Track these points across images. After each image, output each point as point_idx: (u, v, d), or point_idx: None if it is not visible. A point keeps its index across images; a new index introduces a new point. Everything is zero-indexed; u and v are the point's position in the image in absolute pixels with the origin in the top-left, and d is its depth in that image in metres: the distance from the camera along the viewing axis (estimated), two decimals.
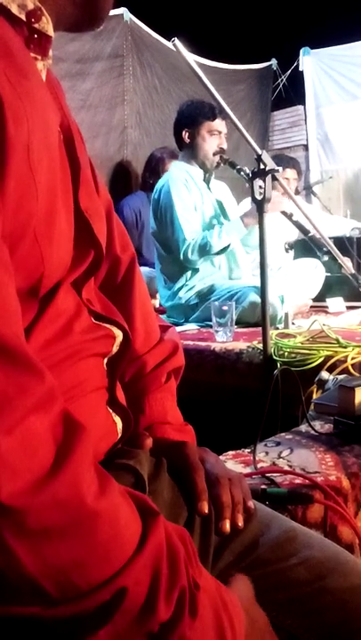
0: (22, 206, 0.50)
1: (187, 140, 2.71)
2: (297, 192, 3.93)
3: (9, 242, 0.49)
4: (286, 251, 3.19)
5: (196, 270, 2.64)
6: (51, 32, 0.60)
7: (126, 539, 0.46)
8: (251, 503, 0.73)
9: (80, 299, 0.65)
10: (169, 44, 1.61)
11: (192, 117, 2.67)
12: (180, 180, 2.62)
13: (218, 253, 2.56)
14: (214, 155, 2.66)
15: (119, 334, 0.69)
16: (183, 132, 2.71)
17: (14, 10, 0.56)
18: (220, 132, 2.67)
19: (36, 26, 0.58)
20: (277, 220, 3.12)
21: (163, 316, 2.67)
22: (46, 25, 0.59)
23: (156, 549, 0.47)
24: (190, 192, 2.63)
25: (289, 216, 2.48)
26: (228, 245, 2.53)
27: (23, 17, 0.57)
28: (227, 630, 0.51)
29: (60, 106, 0.66)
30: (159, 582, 0.46)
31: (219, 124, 2.65)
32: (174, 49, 1.51)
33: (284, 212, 2.52)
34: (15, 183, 0.49)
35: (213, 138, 2.66)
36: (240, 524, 0.70)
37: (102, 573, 0.44)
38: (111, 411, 0.67)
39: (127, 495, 0.49)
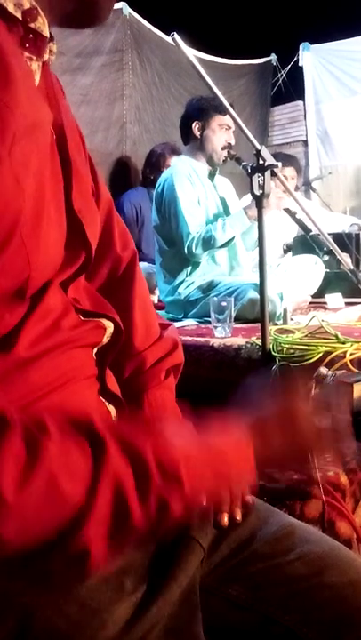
0: (7, 209, 0.50)
1: (196, 133, 2.68)
2: (296, 188, 3.92)
3: None
4: (284, 252, 3.19)
5: (196, 266, 2.63)
6: (46, 32, 0.60)
7: (73, 496, 0.46)
8: (249, 498, 0.73)
9: (67, 298, 0.65)
10: (168, 39, 1.60)
11: (204, 110, 2.64)
12: (185, 173, 2.60)
13: (222, 247, 2.55)
14: (222, 149, 2.64)
15: (110, 325, 0.69)
16: (193, 124, 2.67)
17: (10, 8, 0.56)
18: (229, 128, 2.65)
19: (32, 25, 0.58)
20: (277, 217, 3.12)
21: (161, 312, 2.68)
22: (42, 25, 0.59)
23: (113, 480, 0.47)
24: (194, 186, 2.61)
25: (292, 214, 2.47)
26: (233, 238, 2.53)
27: (19, 16, 0.56)
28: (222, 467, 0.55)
29: (57, 105, 0.66)
30: (128, 501, 0.47)
31: (229, 119, 2.62)
32: (173, 44, 1.51)
33: (287, 210, 2.51)
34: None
35: (223, 132, 2.65)
36: (238, 517, 0.70)
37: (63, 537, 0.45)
38: (104, 399, 0.67)
39: (70, 435, 0.48)
